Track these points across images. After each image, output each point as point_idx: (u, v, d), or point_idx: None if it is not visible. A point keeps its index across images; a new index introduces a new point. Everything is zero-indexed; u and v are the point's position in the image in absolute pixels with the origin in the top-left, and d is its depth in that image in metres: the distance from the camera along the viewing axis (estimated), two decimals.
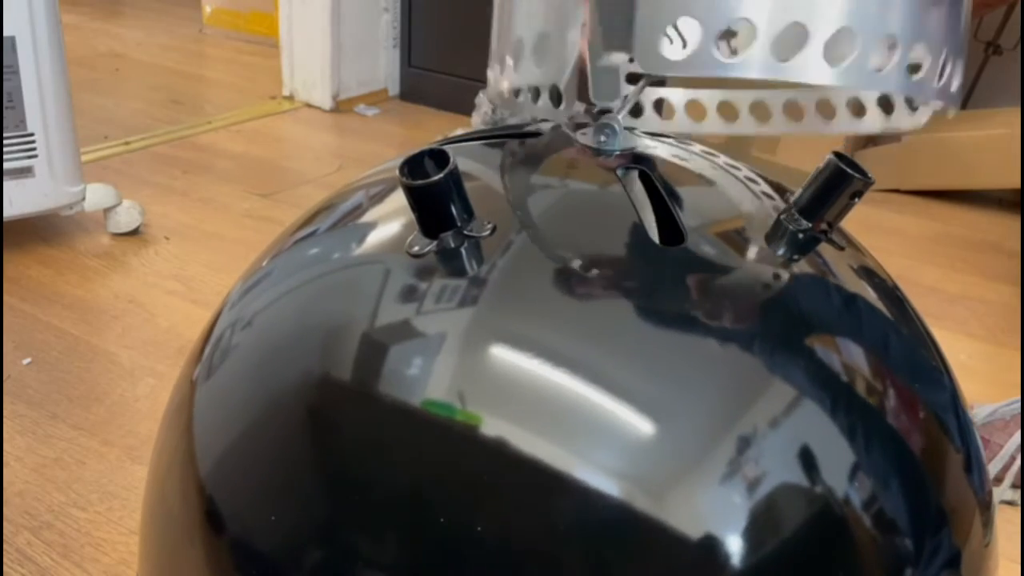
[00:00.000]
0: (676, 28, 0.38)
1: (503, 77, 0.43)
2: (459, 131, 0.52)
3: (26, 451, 0.83)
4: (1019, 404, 0.87)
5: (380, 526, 0.35)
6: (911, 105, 0.42)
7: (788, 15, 0.34)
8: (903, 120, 0.42)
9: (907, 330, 0.44)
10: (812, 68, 0.35)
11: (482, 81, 0.54)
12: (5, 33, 1.08)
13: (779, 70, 0.35)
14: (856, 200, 0.43)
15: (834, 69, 0.35)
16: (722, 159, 0.49)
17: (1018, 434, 0.84)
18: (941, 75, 0.38)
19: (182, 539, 0.42)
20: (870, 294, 0.44)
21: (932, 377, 0.43)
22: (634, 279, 0.40)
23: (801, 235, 0.43)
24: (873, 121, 0.43)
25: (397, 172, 0.40)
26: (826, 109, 0.45)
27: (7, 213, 1.14)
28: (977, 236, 0.99)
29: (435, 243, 0.40)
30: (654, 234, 0.43)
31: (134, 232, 1.28)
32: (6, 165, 1.12)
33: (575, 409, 0.36)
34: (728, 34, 0.37)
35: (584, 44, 0.40)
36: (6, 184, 1.13)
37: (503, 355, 0.37)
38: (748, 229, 0.44)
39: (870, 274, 0.46)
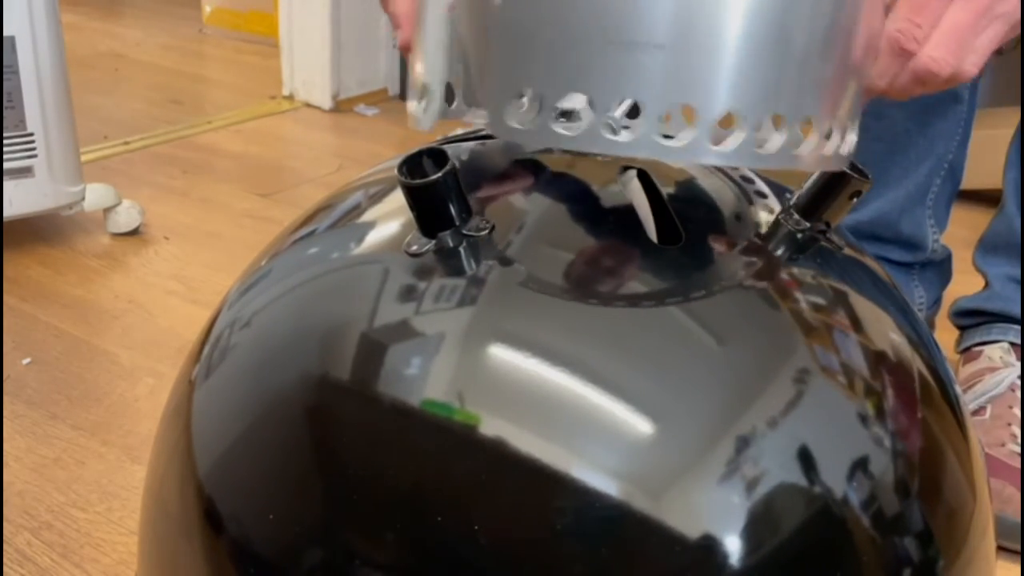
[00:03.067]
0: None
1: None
2: (458, 131, 0.52)
3: (26, 451, 0.83)
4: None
5: (378, 525, 0.35)
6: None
7: (621, 92, 0.35)
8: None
9: (905, 329, 0.44)
10: (647, 144, 0.35)
11: None
12: (5, 33, 1.08)
13: (613, 146, 0.35)
14: (854, 200, 0.43)
15: (668, 144, 0.35)
16: None
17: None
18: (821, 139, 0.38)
19: (181, 539, 0.42)
20: (868, 293, 0.44)
21: (931, 376, 0.43)
22: (632, 278, 0.40)
23: (799, 235, 0.43)
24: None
25: (396, 171, 0.40)
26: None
27: (7, 213, 1.14)
28: (976, 236, 0.99)
29: (433, 242, 0.40)
30: (652, 233, 0.43)
31: (134, 232, 1.28)
32: (6, 165, 1.12)
33: (573, 408, 0.36)
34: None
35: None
36: (6, 184, 1.13)
37: (502, 354, 0.37)
38: (746, 228, 0.44)
39: (868, 273, 0.46)
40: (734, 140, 0.36)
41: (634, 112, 0.37)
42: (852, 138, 0.41)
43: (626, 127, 0.36)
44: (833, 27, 0.37)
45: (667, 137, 0.36)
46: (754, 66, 0.35)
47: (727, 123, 0.36)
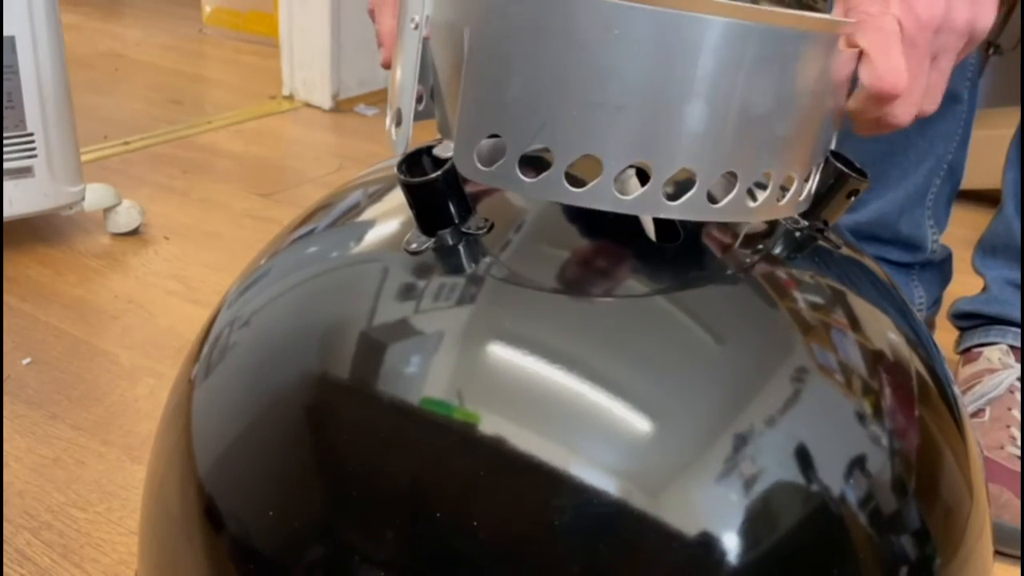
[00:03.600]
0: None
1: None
2: None
3: (26, 451, 0.83)
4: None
5: (378, 523, 0.35)
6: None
7: (582, 148, 0.37)
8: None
9: (903, 328, 0.44)
10: (604, 197, 0.37)
11: None
12: (5, 33, 1.08)
13: (573, 196, 0.37)
14: (852, 199, 0.43)
15: (625, 198, 0.37)
16: None
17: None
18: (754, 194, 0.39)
19: (181, 537, 0.42)
20: (866, 292, 0.44)
21: (928, 375, 0.43)
22: (630, 276, 0.40)
23: (797, 233, 0.43)
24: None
25: (395, 170, 0.40)
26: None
27: (7, 213, 1.14)
28: (975, 236, 0.99)
29: (433, 240, 0.40)
30: (650, 231, 0.43)
31: (134, 232, 1.28)
32: (6, 165, 1.12)
33: (572, 406, 0.36)
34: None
35: None
36: (6, 184, 1.13)
37: (501, 353, 0.37)
38: (744, 226, 0.44)
39: (866, 272, 0.46)
40: (687, 195, 0.37)
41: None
42: (811, 184, 0.42)
43: (582, 181, 0.38)
44: (796, 89, 0.37)
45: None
46: (711, 128, 0.36)
47: None
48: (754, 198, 0.39)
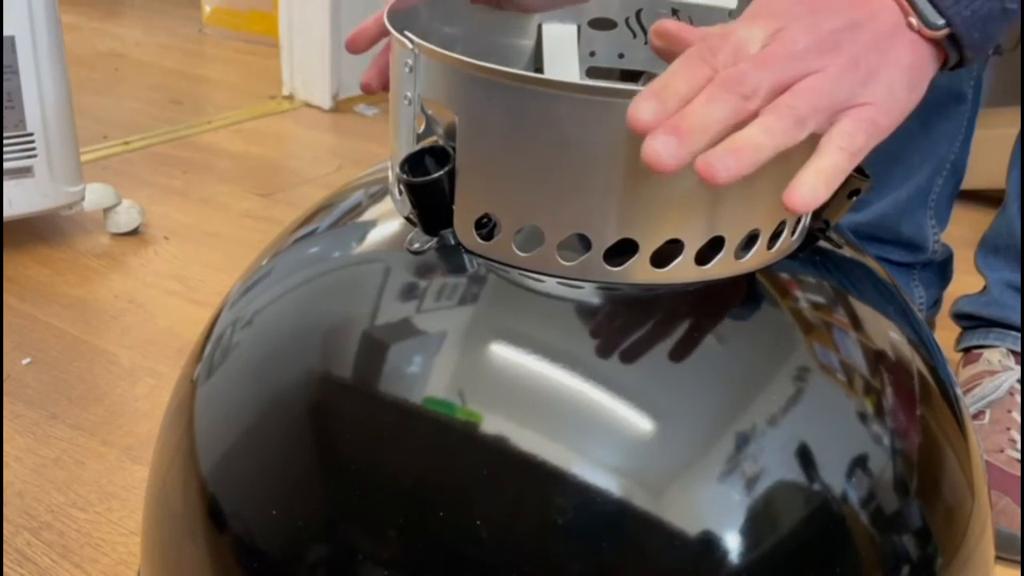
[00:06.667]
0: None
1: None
2: None
3: (26, 451, 0.83)
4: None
5: (381, 522, 0.35)
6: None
7: (572, 226, 0.38)
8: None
9: (905, 329, 0.44)
10: (595, 270, 0.38)
11: None
12: (5, 33, 1.08)
13: (565, 269, 0.39)
14: (854, 198, 0.43)
15: (615, 270, 0.38)
16: None
17: None
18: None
19: (184, 537, 0.42)
20: (868, 292, 0.44)
21: (930, 375, 0.43)
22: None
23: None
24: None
25: (398, 170, 0.40)
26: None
27: (7, 213, 1.14)
28: (977, 236, 0.99)
29: (435, 240, 0.40)
30: None
31: (134, 232, 1.28)
32: (6, 165, 1.12)
33: (575, 406, 0.36)
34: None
35: None
36: (6, 184, 1.13)
37: (503, 352, 0.37)
38: None
39: (868, 272, 0.46)
40: (675, 262, 0.38)
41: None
42: (804, 221, 0.42)
43: (574, 254, 0.39)
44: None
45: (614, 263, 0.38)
46: (695, 200, 0.37)
47: None
48: (743, 254, 0.39)
